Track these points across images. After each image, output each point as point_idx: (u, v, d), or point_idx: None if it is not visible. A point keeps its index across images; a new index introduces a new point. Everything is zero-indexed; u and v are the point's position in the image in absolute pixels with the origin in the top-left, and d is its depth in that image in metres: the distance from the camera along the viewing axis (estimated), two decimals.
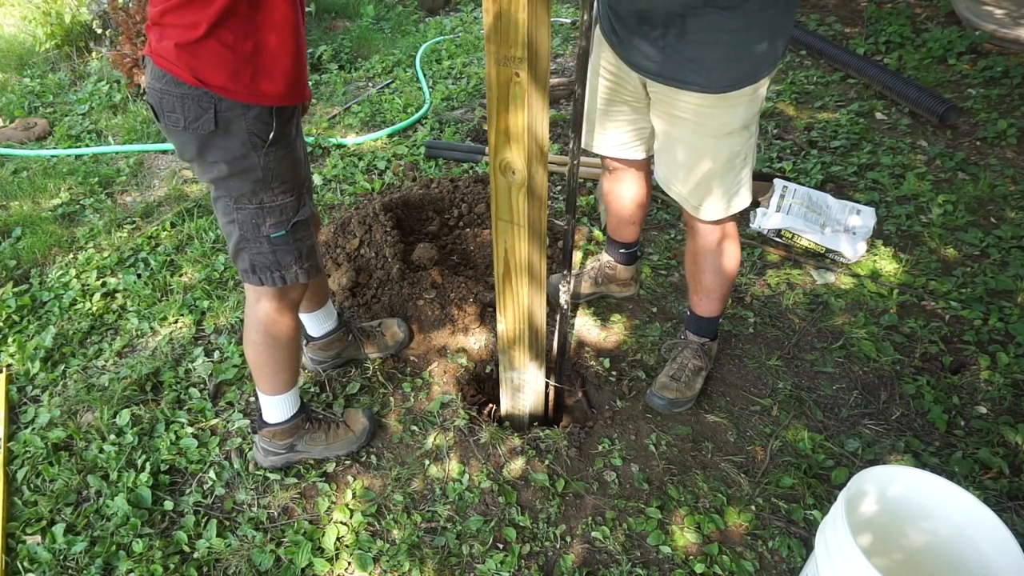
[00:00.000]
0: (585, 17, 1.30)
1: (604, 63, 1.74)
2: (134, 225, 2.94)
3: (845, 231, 2.52)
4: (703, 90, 1.51)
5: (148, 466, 1.89)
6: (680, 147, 1.66)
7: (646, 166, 1.97)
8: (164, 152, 3.51)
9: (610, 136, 1.87)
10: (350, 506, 1.79)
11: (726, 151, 1.60)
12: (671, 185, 1.75)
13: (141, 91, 4.01)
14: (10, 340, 2.36)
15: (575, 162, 1.52)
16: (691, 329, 2.02)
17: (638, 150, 1.88)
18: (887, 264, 2.47)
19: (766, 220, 2.61)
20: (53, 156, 3.48)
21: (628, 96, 1.74)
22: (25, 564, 1.69)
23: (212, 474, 1.88)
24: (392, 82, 4.16)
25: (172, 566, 1.67)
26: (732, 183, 1.66)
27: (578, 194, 2.94)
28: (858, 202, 2.71)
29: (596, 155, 1.96)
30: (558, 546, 1.69)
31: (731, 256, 1.83)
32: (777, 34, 1.45)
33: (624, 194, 2.05)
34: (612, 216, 2.17)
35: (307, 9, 4.91)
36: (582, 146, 1.93)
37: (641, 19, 1.52)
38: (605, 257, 2.31)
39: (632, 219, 2.13)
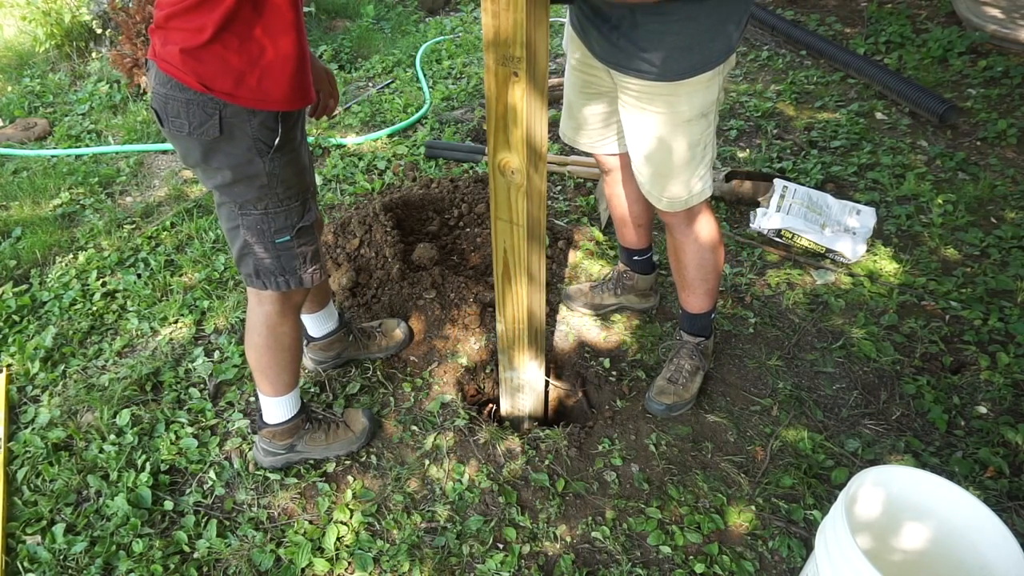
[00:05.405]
0: None
1: (578, 55, 1.73)
2: (134, 225, 2.94)
3: (845, 231, 2.52)
4: (658, 79, 1.51)
5: (148, 466, 1.89)
6: (640, 136, 1.65)
7: None
8: (164, 152, 3.51)
9: (591, 132, 1.86)
10: (350, 506, 1.79)
11: (684, 140, 1.60)
12: (638, 176, 1.74)
13: (141, 91, 4.01)
14: (10, 340, 2.36)
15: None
16: (684, 328, 2.01)
17: (620, 143, 1.86)
18: (887, 264, 2.47)
19: (766, 220, 2.61)
20: (53, 156, 3.48)
21: (603, 87, 1.73)
22: (25, 564, 1.69)
23: (212, 474, 1.88)
24: (392, 82, 4.16)
25: (172, 566, 1.67)
26: (692, 172, 1.65)
27: (578, 194, 2.94)
28: (858, 202, 2.71)
29: (590, 154, 1.94)
30: (558, 546, 1.69)
31: (710, 247, 1.81)
32: (728, 20, 1.46)
33: (623, 193, 2.01)
34: (616, 219, 2.14)
35: (307, 9, 4.91)
36: (564, 139, 1.95)
37: (596, 10, 1.54)
38: (622, 266, 2.27)
39: (637, 221, 2.09)
